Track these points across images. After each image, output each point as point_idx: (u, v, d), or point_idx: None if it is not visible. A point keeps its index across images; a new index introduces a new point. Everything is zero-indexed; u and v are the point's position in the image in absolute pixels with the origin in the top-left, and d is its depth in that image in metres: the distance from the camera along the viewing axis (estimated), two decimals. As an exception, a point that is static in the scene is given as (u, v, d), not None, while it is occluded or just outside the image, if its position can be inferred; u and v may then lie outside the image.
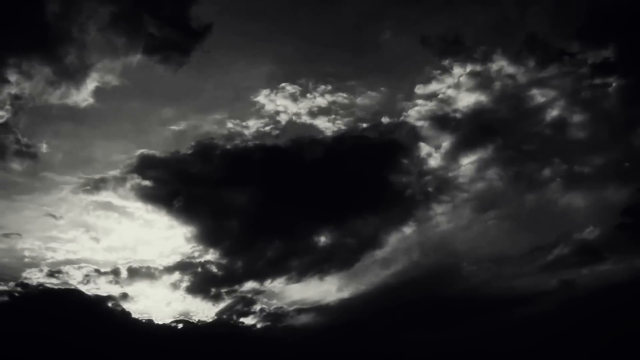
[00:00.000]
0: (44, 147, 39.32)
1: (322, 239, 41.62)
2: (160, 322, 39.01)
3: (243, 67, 44.37)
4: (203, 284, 39.99)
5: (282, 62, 44.69)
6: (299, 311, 40.27)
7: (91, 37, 37.95)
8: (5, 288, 37.03)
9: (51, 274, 38.60)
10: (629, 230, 39.29)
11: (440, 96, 43.61)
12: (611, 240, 40.26)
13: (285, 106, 43.56)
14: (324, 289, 41.15)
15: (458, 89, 43.38)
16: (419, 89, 43.88)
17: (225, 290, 39.94)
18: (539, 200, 43.10)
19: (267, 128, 43.17)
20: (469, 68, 43.22)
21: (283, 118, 43.48)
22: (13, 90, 37.17)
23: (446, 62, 43.40)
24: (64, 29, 37.07)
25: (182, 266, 40.30)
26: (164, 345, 37.72)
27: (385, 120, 43.51)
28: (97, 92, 39.76)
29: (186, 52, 39.65)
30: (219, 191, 41.37)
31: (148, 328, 38.43)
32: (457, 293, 40.97)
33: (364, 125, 43.55)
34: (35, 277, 38.40)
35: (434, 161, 43.40)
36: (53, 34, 36.78)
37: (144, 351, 37.09)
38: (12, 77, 36.97)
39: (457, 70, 43.38)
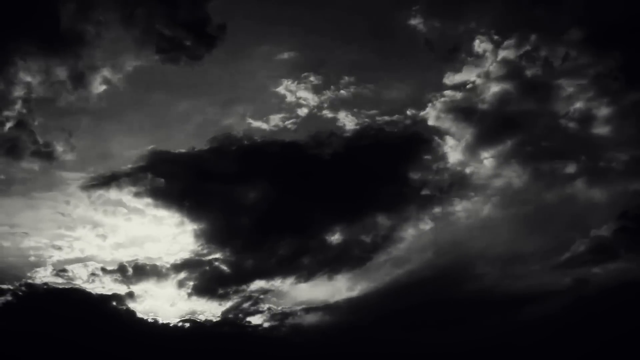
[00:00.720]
0: (58, 145, 38.79)
1: (335, 237, 40.81)
2: (166, 322, 38.35)
3: (264, 55, 43.31)
4: (211, 282, 39.25)
5: (305, 50, 43.31)
6: (307, 310, 39.61)
7: (106, 32, 37.94)
8: (10, 287, 36.49)
9: (57, 273, 38.08)
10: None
11: (468, 86, 42.39)
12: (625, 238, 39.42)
13: (306, 98, 42.49)
14: (334, 288, 40.46)
15: (488, 77, 42.09)
16: (448, 78, 42.58)
17: (233, 289, 39.26)
18: (560, 197, 41.99)
19: (286, 123, 42.15)
20: (501, 54, 41.92)
21: (303, 111, 42.50)
22: (28, 89, 37.31)
23: (479, 49, 42.13)
24: (78, 26, 37.08)
25: (190, 264, 39.51)
26: (169, 345, 37.07)
27: (410, 112, 42.44)
28: (113, 88, 39.65)
29: (204, 46, 38.84)
30: (232, 188, 40.52)
31: (153, 327, 37.82)
32: (472, 292, 40.25)
33: (386, 118, 42.30)
34: (41, 275, 37.94)
35: (454, 156, 42.31)
36: (67, 31, 36.89)
37: (150, 351, 36.49)
38: (27, 76, 37.20)
39: (490, 57, 42.12)
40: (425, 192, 41.43)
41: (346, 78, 42.64)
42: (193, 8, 38.10)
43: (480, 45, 42.14)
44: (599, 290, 38.76)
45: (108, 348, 35.52)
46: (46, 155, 38.15)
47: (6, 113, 37.11)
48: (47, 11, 35.81)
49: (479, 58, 42.34)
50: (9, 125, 37.21)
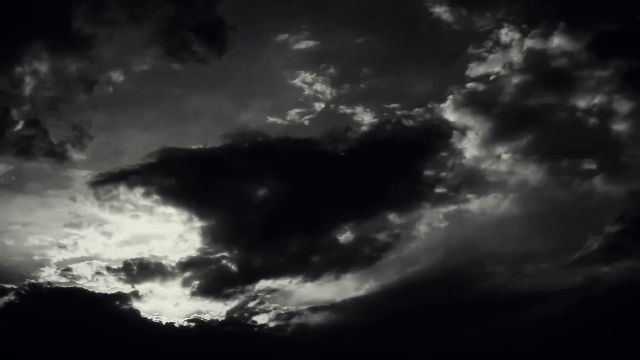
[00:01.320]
0: (69, 143, 37.92)
1: (345, 236, 39.95)
2: (171, 321, 37.76)
3: (280, 45, 41.83)
4: (217, 281, 38.47)
5: (323, 39, 41.75)
6: (314, 310, 38.92)
7: (119, 30, 37.34)
8: (13, 287, 35.82)
9: (61, 272, 37.38)
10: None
11: (492, 77, 41.11)
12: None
13: (324, 92, 41.24)
14: (342, 287, 39.73)
15: (512, 69, 40.77)
16: (472, 70, 41.24)
17: (239, 288, 38.51)
18: (577, 194, 41.16)
19: (303, 118, 41.16)
20: (527, 44, 40.45)
21: (320, 105, 41.38)
22: (39, 88, 36.73)
23: (506, 38, 40.80)
24: (90, 24, 36.53)
25: (196, 263, 38.72)
26: (174, 345, 36.52)
27: (429, 106, 41.30)
28: (126, 85, 39.07)
29: (217, 48, 38.05)
30: (242, 185, 39.59)
31: (158, 327, 37.20)
32: (485, 291, 39.50)
33: (404, 112, 41.16)
34: (45, 275, 37.29)
35: (471, 152, 41.14)
36: (79, 29, 36.44)
37: (154, 351, 35.94)
38: (39, 75, 36.50)
39: (516, 46, 40.79)
40: (439, 189, 40.60)
41: (365, 70, 41.51)
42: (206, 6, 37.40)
43: (507, 34, 40.95)
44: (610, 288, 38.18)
45: (111, 348, 35.06)
46: (58, 154, 37.57)
47: (18, 112, 36.72)
48: (58, 9, 35.34)
49: (505, 48, 41.19)
50: (21, 124, 36.78)
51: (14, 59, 35.36)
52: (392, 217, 39.99)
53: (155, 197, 38.57)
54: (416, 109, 40.83)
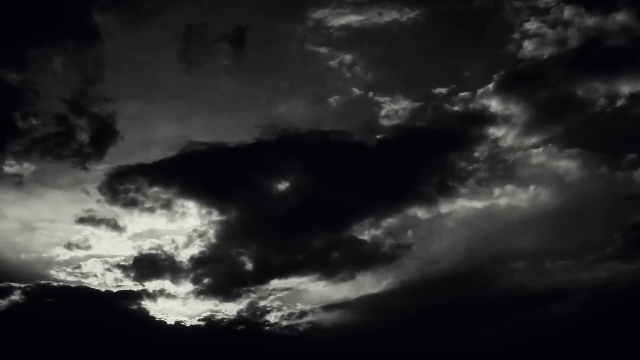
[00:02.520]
0: (88, 139, 36.75)
1: (366, 232, 38.34)
2: (182, 320, 36.86)
3: (318, 22, 39.09)
4: (230, 278, 37.29)
5: (364, 14, 38.93)
6: (329, 308, 37.64)
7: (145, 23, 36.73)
8: (20, 285, 35.16)
9: (70, 270, 36.68)
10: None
11: (545, 57, 38.05)
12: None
13: (360, 77, 38.94)
14: (358, 285, 38.22)
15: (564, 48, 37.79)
16: (523, 51, 38.74)
17: (253, 286, 37.38)
18: (615, 188, 38.45)
19: (338, 105, 39.20)
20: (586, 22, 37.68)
21: (355, 91, 39.12)
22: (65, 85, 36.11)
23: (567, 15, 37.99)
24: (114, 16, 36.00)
25: (210, 259, 37.48)
26: (185, 343, 35.79)
27: (474, 90, 38.70)
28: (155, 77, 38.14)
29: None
30: (265, 179, 38.10)
31: (169, 326, 36.45)
32: (511, 289, 37.72)
33: (446, 97, 38.79)
34: (54, 273, 36.53)
35: (507, 141, 38.86)
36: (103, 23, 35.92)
37: (165, 350, 35.27)
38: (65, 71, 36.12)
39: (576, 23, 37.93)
40: (469, 182, 38.50)
41: (408, 51, 39.51)
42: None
43: (566, 11, 38.18)
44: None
45: (119, 347, 34.52)
46: (79, 153, 36.53)
47: (43, 110, 35.72)
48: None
49: (559, 26, 38.41)
50: (44, 122, 35.81)
51: (38, 57, 34.74)
52: (418, 212, 38.32)
53: (175, 190, 37.32)
54: (460, 94, 38.52)
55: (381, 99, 38.88)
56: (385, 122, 38.49)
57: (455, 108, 38.41)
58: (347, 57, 39.02)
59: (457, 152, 38.21)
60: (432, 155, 38.07)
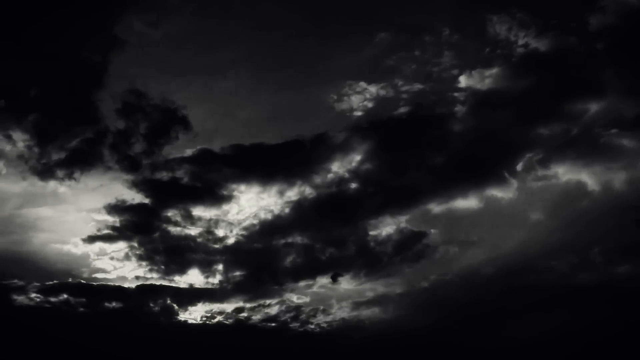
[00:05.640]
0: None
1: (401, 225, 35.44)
2: (207, 319, 34.43)
3: None
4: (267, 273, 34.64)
5: None
6: (366, 304, 34.90)
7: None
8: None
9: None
10: None
11: None
12: None
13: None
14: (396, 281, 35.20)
15: None
16: None
17: (285, 283, 34.71)
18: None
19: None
20: None
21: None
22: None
23: None
24: None
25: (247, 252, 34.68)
26: (208, 341, 33.77)
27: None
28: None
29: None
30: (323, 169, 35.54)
31: (195, 325, 34.20)
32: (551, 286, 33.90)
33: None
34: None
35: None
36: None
37: (190, 348, 33.45)
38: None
39: None
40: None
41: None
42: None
43: None
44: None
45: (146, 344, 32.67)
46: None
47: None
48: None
49: None
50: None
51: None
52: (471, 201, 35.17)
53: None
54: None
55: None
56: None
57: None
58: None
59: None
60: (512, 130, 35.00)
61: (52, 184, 33.42)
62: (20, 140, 32.68)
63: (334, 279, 34.05)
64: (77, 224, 34.40)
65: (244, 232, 34.60)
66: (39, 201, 34.35)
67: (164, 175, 34.07)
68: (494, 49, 35.54)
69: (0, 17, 32.43)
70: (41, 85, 32.88)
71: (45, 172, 32.83)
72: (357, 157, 35.25)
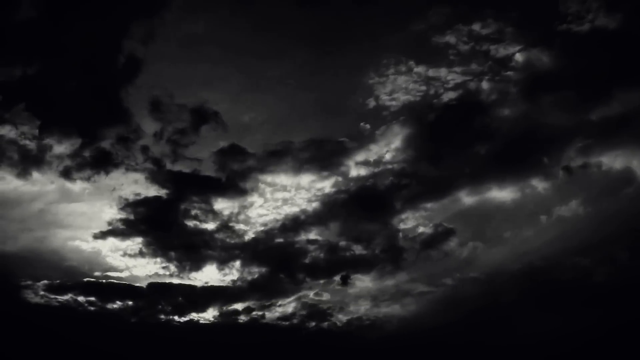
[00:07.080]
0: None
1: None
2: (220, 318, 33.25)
3: None
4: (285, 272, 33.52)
5: None
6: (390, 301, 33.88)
7: None
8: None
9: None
10: None
11: None
12: None
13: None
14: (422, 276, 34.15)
15: None
16: None
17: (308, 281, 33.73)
18: None
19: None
20: None
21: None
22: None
23: None
24: None
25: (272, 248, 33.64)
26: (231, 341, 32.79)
27: None
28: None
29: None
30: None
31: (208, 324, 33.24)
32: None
33: None
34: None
35: None
36: None
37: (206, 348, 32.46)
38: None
39: None
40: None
41: None
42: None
43: None
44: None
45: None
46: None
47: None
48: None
49: None
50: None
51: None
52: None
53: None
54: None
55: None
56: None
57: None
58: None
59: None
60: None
61: (79, 183, 32.74)
62: (54, 141, 32.00)
63: (344, 281, 33.31)
64: (97, 221, 33.63)
65: (264, 228, 33.81)
66: (65, 199, 33.69)
67: (187, 167, 33.21)
68: (560, 24, 33.32)
69: (31, 15, 31.86)
70: (71, 85, 32.30)
71: (73, 171, 32.27)
72: (393, 146, 34.10)
